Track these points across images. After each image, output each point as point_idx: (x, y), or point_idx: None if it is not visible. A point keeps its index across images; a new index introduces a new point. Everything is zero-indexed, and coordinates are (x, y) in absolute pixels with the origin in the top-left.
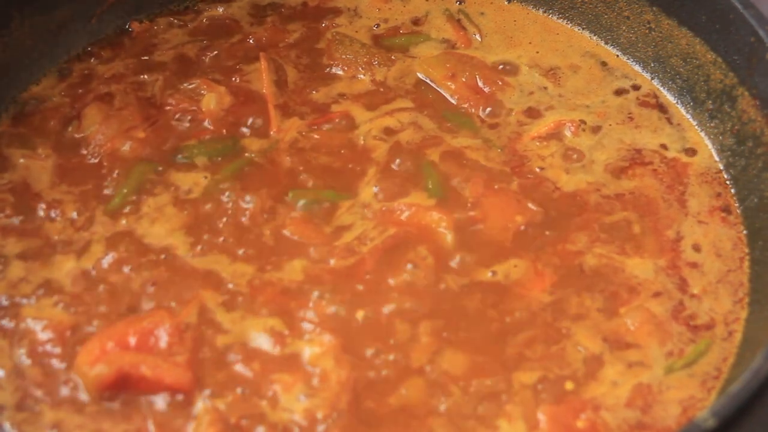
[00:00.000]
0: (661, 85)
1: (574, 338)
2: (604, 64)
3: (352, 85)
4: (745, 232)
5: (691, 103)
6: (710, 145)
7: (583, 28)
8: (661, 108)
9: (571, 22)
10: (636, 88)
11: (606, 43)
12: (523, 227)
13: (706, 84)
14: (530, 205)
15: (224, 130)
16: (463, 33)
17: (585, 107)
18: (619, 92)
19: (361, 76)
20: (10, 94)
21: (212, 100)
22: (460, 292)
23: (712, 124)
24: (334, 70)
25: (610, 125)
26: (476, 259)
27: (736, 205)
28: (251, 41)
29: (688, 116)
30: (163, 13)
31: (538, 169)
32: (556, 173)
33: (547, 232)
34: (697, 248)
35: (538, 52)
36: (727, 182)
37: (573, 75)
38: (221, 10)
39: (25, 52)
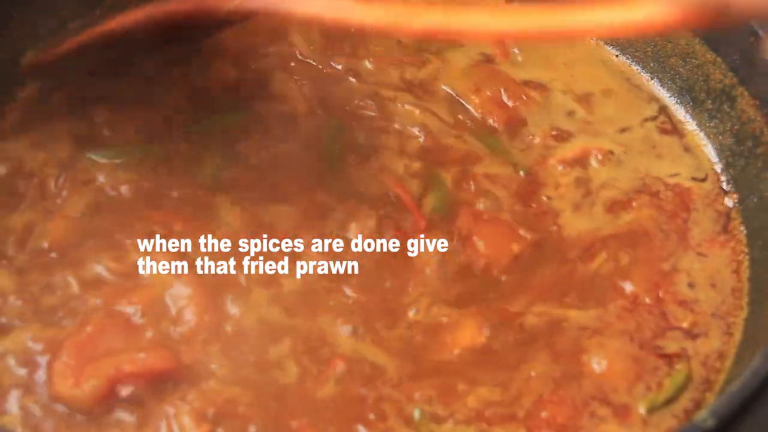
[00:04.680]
0: (661, 85)
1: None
2: (603, 63)
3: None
4: (745, 232)
5: (691, 103)
6: (710, 145)
7: None
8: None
9: None
10: (653, 119)
11: (606, 43)
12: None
13: (706, 84)
14: (522, 231)
15: None
16: (503, 45)
17: (608, 134)
18: (646, 120)
19: (390, 72)
20: (10, 94)
21: None
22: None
23: (711, 124)
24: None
25: (628, 153)
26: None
27: (736, 205)
28: None
29: (688, 116)
30: None
31: (545, 198)
32: (563, 204)
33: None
34: (692, 285)
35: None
36: (727, 184)
37: (605, 100)
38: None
39: (24, 51)
